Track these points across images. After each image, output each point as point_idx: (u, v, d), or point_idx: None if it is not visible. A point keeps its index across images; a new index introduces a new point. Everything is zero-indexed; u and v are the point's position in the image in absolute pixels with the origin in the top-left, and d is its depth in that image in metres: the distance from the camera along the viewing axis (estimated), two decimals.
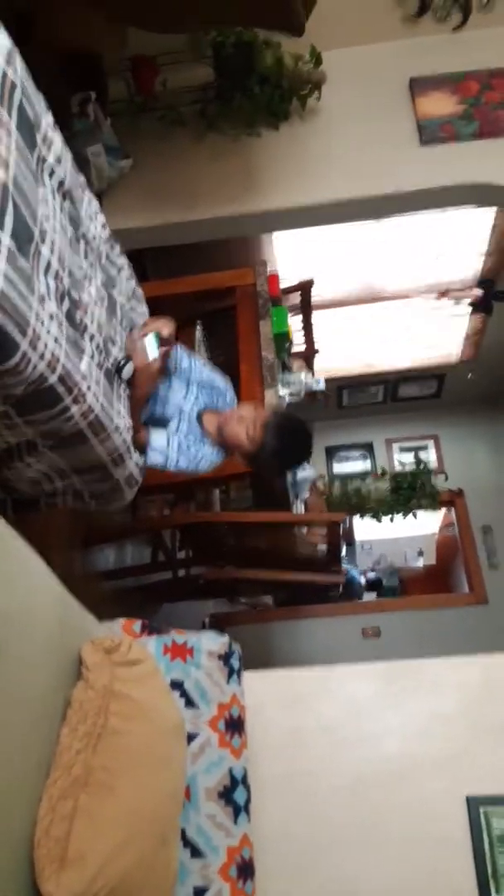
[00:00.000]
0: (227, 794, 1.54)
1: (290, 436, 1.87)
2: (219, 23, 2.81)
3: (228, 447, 1.92)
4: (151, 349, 1.73)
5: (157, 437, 1.83)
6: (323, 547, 3.11)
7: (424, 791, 1.73)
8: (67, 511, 1.87)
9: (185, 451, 1.85)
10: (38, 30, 2.50)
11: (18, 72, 1.23)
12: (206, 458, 1.88)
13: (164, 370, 1.86)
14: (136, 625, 1.61)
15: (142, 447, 1.81)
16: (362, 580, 6.38)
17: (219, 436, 1.90)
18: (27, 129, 1.25)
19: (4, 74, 1.17)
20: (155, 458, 1.83)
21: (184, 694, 1.55)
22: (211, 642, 1.65)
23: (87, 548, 3.11)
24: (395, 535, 5.82)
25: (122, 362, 1.67)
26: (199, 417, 1.94)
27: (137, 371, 1.70)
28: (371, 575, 6.56)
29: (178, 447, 1.84)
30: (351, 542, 6.03)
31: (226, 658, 1.64)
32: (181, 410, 1.91)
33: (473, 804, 1.73)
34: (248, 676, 1.71)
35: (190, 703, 1.54)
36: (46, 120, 1.36)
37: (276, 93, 3.12)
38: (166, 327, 1.80)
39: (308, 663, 3.92)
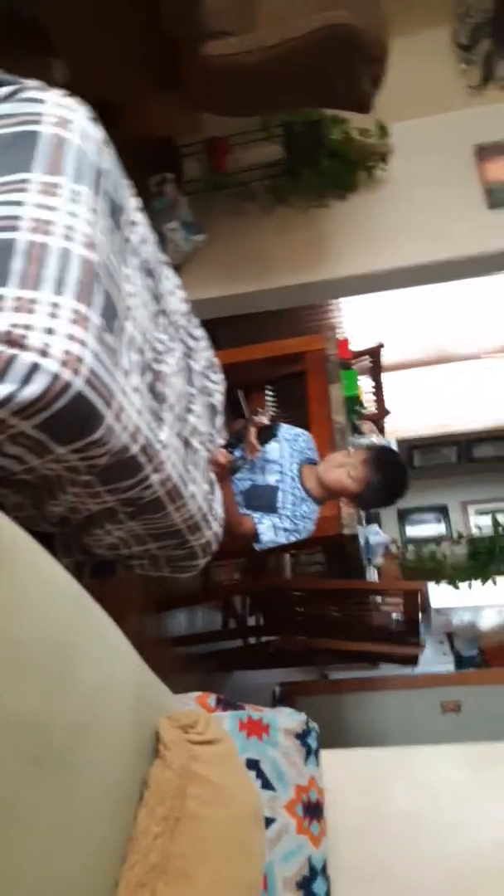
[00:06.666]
0: (305, 886, 1.45)
1: (391, 466, 2.01)
2: (290, 107, 2.94)
3: (332, 494, 2.05)
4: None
5: (266, 531, 1.95)
6: (398, 616, 2.99)
7: None
8: (142, 576, 1.90)
9: (292, 531, 1.96)
10: (123, 117, 2.69)
11: (109, 160, 1.32)
12: (309, 520, 2.00)
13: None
14: (211, 699, 1.56)
15: (251, 535, 1.94)
16: None
17: (319, 486, 2.02)
18: (115, 213, 1.33)
19: (97, 164, 1.25)
20: (267, 545, 1.97)
21: (260, 774, 1.48)
22: (288, 719, 1.58)
23: (158, 612, 3.10)
24: (474, 603, 5.56)
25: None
26: (300, 472, 2.05)
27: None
28: None
29: (285, 530, 1.96)
30: (426, 609, 5.79)
31: (303, 737, 1.57)
32: (282, 472, 2.04)
33: None
34: (326, 756, 1.63)
35: (266, 784, 1.47)
36: (132, 204, 1.45)
37: (343, 166, 3.21)
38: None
39: (384, 737, 3.72)
